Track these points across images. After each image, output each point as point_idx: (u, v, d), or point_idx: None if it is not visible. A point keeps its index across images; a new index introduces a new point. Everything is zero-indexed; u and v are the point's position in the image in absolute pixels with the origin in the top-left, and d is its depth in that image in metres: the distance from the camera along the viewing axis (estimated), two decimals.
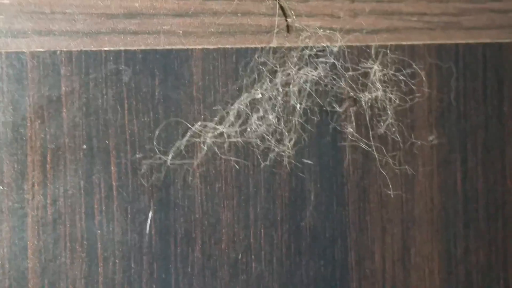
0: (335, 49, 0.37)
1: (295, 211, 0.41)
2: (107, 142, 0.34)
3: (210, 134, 0.35)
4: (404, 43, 0.45)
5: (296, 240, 0.41)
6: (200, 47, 0.37)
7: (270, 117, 0.35)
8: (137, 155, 0.34)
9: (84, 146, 0.34)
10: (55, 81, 0.33)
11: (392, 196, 0.43)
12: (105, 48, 0.34)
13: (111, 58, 0.35)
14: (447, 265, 0.47)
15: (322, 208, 0.42)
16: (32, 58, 0.33)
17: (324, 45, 0.38)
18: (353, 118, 0.40)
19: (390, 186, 0.43)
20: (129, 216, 0.35)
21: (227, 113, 0.36)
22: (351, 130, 0.40)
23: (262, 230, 0.40)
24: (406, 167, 0.43)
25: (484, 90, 0.50)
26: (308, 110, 0.39)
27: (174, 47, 0.37)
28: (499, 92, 0.51)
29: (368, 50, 0.41)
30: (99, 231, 0.34)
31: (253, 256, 0.39)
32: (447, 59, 0.48)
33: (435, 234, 0.47)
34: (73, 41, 0.33)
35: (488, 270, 0.49)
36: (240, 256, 0.39)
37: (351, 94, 0.39)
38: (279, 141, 0.37)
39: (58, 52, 0.33)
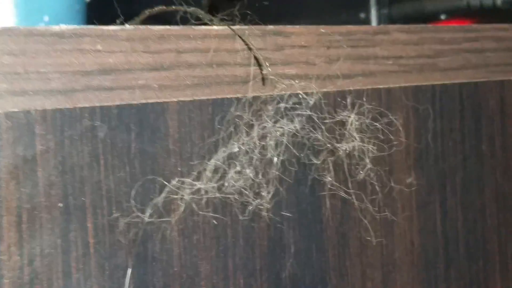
0: (311, 101, 0.38)
1: (275, 260, 0.41)
2: (83, 199, 0.35)
3: (187, 191, 0.35)
4: (380, 86, 0.46)
5: None
6: (175, 99, 0.38)
7: (247, 171, 0.35)
8: (114, 214, 0.35)
9: (60, 205, 0.34)
10: (30, 140, 0.33)
11: (373, 243, 0.43)
12: (80, 105, 0.35)
13: (86, 115, 0.35)
14: None
15: (302, 256, 0.42)
16: (6, 118, 0.33)
17: (300, 97, 0.38)
18: (331, 168, 0.40)
19: (372, 233, 0.43)
20: (106, 272, 0.35)
21: (204, 169, 0.36)
22: (330, 179, 0.40)
23: (241, 281, 0.40)
24: (386, 212, 0.44)
25: (461, 129, 0.50)
26: (286, 162, 0.40)
27: (149, 101, 0.37)
28: (476, 131, 0.51)
29: (344, 102, 0.42)
30: None
31: None
32: (423, 101, 0.48)
33: (416, 276, 0.47)
34: (48, 100, 0.34)
35: None
36: None
37: (328, 145, 0.40)
38: (257, 194, 0.38)
39: (33, 111, 0.34)
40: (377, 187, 0.43)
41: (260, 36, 0.41)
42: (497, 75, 0.52)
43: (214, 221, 0.38)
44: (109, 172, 0.36)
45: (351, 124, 0.38)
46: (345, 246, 0.44)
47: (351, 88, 0.44)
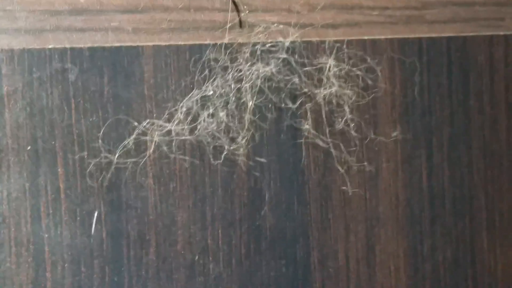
0: (287, 44, 0.36)
1: (254, 210, 0.40)
2: (53, 143, 0.33)
3: (157, 132, 0.34)
4: (365, 37, 0.44)
5: (256, 240, 0.40)
6: (151, 44, 0.36)
7: (221, 114, 0.34)
8: (82, 153, 0.33)
9: (29, 148, 0.33)
10: None
11: (350, 193, 0.42)
12: (50, 46, 0.33)
13: (56, 57, 0.33)
14: (413, 262, 0.47)
15: (283, 207, 0.41)
16: None
17: (277, 40, 0.37)
18: (309, 114, 0.39)
19: (349, 184, 0.42)
20: (78, 218, 0.34)
21: (176, 110, 0.35)
22: (308, 127, 0.39)
23: (219, 231, 0.39)
24: (365, 163, 0.42)
25: (449, 84, 0.49)
26: (263, 107, 0.38)
27: (123, 44, 0.35)
28: (464, 86, 0.50)
29: (323, 45, 0.40)
30: (46, 235, 0.33)
31: (210, 258, 0.38)
32: (410, 54, 0.47)
33: (401, 231, 0.46)
34: (15, 39, 0.32)
35: (455, 267, 0.48)
36: (197, 258, 0.38)
37: (306, 90, 0.38)
38: (233, 140, 0.36)
39: None
40: (358, 138, 0.42)
41: None
42: (486, 30, 0.51)
43: (187, 165, 0.36)
44: (80, 116, 0.34)
45: (329, 70, 0.36)
46: (328, 198, 0.43)
47: (334, 38, 0.43)
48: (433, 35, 0.48)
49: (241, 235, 0.39)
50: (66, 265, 0.33)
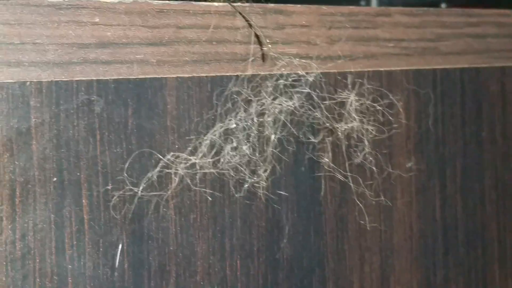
0: (311, 79, 0.37)
1: (272, 241, 0.40)
2: (78, 174, 0.34)
3: (182, 165, 0.34)
4: (381, 69, 0.45)
5: (273, 271, 0.41)
6: (174, 75, 0.37)
7: (244, 147, 0.34)
8: (107, 186, 0.34)
9: (55, 179, 0.33)
10: (25, 112, 0.32)
11: (368, 228, 0.43)
12: (77, 78, 0.34)
13: (83, 89, 0.34)
14: None
15: (299, 238, 0.41)
16: (1, 89, 0.32)
17: (300, 73, 0.37)
18: (329, 148, 0.40)
19: (366, 218, 0.42)
20: (101, 249, 0.34)
21: (200, 143, 0.35)
22: (327, 160, 0.40)
23: (238, 262, 0.39)
24: (382, 198, 0.43)
25: (462, 115, 0.50)
26: (284, 141, 0.39)
27: (147, 76, 0.36)
28: (477, 117, 0.51)
29: (344, 80, 0.41)
30: (70, 266, 0.34)
31: None
32: (424, 85, 0.48)
33: (414, 262, 0.47)
34: (44, 71, 0.33)
35: None
36: None
37: (327, 124, 0.39)
38: (254, 172, 0.37)
39: (28, 83, 0.33)
40: (375, 171, 0.42)
41: (261, 14, 0.40)
42: (499, 61, 0.52)
43: (209, 198, 0.37)
44: (105, 147, 0.35)
45: (351, 105, 0.37)
46: (344, 229, 0.43)
47: (352, 70, 0.43)
48: (447, 66, 0.49)
49: (258, 266, 0.40)
50: None
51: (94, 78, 0.34)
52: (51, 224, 0.33)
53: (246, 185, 0.37)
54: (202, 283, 0.38)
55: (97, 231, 0.34)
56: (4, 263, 0.32)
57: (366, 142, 0.39)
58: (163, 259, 0.37)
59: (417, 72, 0.47)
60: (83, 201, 0.34)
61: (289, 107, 0.36)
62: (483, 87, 0.51)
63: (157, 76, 0.36)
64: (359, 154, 0.40)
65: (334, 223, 0.43)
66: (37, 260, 0.33)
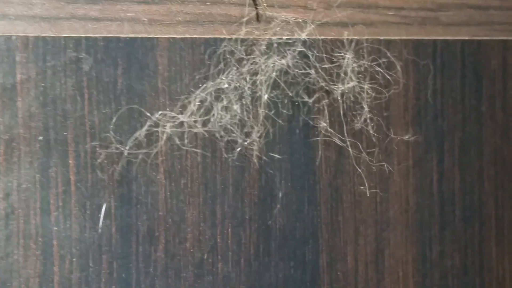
0: (304, 36, 0.36)
1: (265, 210, 0.40)
2: (65, 133, 0.33)
3: (170, 124, 0.33)
4: (380, 37, 0.44)
5: (265, 240, 0.40)
6: (166, 36, 0.36)
7: (235, 107, 0.33)
8: (97, 147, 0.33)
9: (40, 138, 0.32)
10: (10, 68, 0.32)
11: (368, 194, 0.42)
12: (65, 35, 0.33)
13: (71, 46, 0.33)
14: (422, 268, 0.46)
15: (293, 208, 0.41)
16: None
17: (294, 34, 0.37)
18: (326, 111, 0.39)
19: (366, 184, 0.42)
20: (87, 212, 0.34)
21: (189, 102, 0.34)
22: (324, 124, 0.39)
23: (229, 229, 0.38)
24: (384, 164, 0.42)
25: (462, 88, 0.49)
26: (279, 103, 0.38)
27: (138, 35, 0.35)
28: (477, 91, 0.50)
29: (341, 40, 0.40)
30: (55, 228, 0.33)
31: (219, 256, 0.38)
32: (424, 56, 0.47)
33: (410, 236, 0.46)
34: (30, 26, 0.32)
35: (463, 274, 0.48)
36: (205, 256, 0.38)
37: (323, 85, 0.38)
38: (247, 135, 0.36)
39: (14, 37, 0.32)
40: (377, 138, 0.42)
41: None
42: (501, 34, 0.51)
43: (200, 159, 0.36)
44: (93, 107, 0.34)
45: (348, 65, 0.36)
46: (339, 200, 0.43)
47: (350, 38, 0.42)
48: (448, 37, 0.48)
49: (250, 234, 0.39)
50: (74, 259, 0.33)
51: (83, 35, 0.34)
52: (36, 184, 0.32)
53: (238, 148, 0.36)
54: (191, 250, 0.37)
55: (84, 193, 0.34)
56: None
57: (365, 106, 0.38)
58: (152, 224, 0.36)
59: (416, 42, 0.47)
60: (70, 161, 0.33)
61: (282, 66, 0.35)
62: (484, 60, 0.50)
63: (149, 36, 0.36)
64: (358, 119, 0.39)
65: (328, 193, 0.42)
66: (21, 221, 0.32)
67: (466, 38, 0.49)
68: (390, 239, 0.45)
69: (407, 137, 0.46)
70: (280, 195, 0.40)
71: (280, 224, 0.40)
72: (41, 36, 0.32)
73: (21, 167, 0.32)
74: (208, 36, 0.37)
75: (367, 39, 0.43)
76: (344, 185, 0.43)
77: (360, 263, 0.44)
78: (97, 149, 0.33)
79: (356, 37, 0.43)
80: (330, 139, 0.40)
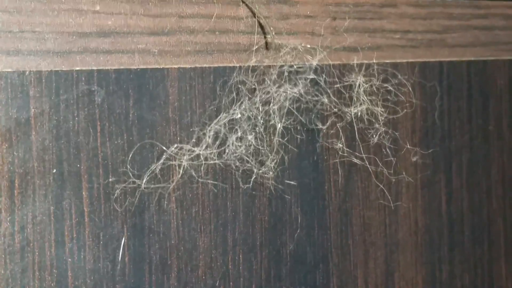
0: (315, 63, 0.36)
1: (275, 235, 0.40)
2: (78, 166, 0.33)
3: (186, 157, 0.34)
4: (387, 61, 0.45)
5: (276, 266, 0.40)
6: (176, 66, 0.37)
7: (249, 137, 0.34)
8: (110, 179, 0.33)
9: (54, 170, 0.33)
10: (24, 102, 0.32)
11: (392, 207, 0.42)
12: (77, 68, 0.33)
13: (83, 79, 0.34)
14: None
15: (303, 233, 0.41)
16: None
17: (305, 60, 0.37)
18: (341, 134, 0.39)
19: (389, 197, 0.42)
20: (101, 243, 0.34)
21: (204, 134, 0.35)
22: (341, 145, 0.39)
23: (240, 256, 0.39)
24: (404, 175, 0.42)
25: (468, 108, 0.49)
26: (292, 130, 0.38)
27: (149, 66, 0.36)
28: (484, 110, 0.50)
29: (351, 64, 0.41)
30: (69, 259, 0.33)
31: (231, 283, 0.39)
32: (431, 77, 0.47)
33: (419, 257, 0.46)
34: (43, 60, 0.33)
35: None
36: (217, 283, 0.38)
37: (335, 110, 0.39)
38: (261, 163, 0.37)
39: (27, 72, 0.32)
40: (390, 152, 0.42)
41: (265, 4, 0.39)
42: (506, 54, 0.51)
43: (214, 190, 0.36)
44: (105, 138, 0.34)
45: (359, 87, 0.36)
46: (348, 224, 0.43)
47: (357, 62, 0.43)
48: (454, 58, 0.49)
49: (261, 260, 0.40)
50: None
51: (95, 68, 0.34)
52: (51, 216, 0.33)
53: (254, 177, 0.37)
54: (204, 277, 0.38)
55: (98, 224, 0.34)
56: (3, 255, 0.32)
57: (380, 125, 0.38)
58: (165, 253, 0.36)
59: (423, 65, 0.47)
60: (83, 193, 0.34)
61: (294, 94, 0.35)
62: (490, 80, 0.51)
63: (159, 67, 0.36)
64: (374, 137, 0.39)
65: (338, 217, 0.43)
66: (36, 253, 0.33)
67: (472, 59, 0.50)
68: (399, 261, 0.46)
69: (415, 158, 0.46)
70: (290, 220, 0.40)
71: (291, 249, 0.41)
72: (54, 71, 0.33)
73: (35, 200, 0.33)
74: (217, 65, 0.38)
75: (374, 63, 0.44)
76: (354, 208, 0.43)
77: (370, 286, 0.44)
78: (111, 182, 0.34)
79: (364, 61, 0.43)
80: (342, 160, 0.41)
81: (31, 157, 0.33)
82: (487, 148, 0.50)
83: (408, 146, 0.45)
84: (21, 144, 0.32)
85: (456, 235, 0.48)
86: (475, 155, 0.50)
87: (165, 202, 0.36)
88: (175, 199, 0.36)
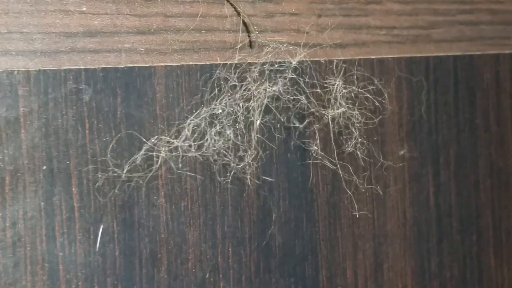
0: (294, 63, 0.37)
1: (264, 229, 0.41)
2: (67, 162, 0.34)
3: (165, 148, 0.35)
4: (373, 57, 0.46)
5: (265, 258, 0.41)
6: (163, 64, 0.37)
7: (228, 132, 0.35)
8: (99, 175, 0.34)
9: (44, 167, 0.34)
10: (13, 101, 0.33)
11: (357, 216, 0.43)
12: (65, 67, 0.34)
13: (71, 78, 0.35)
14: (421, 280, 0.48)
15: (291, 225, 0.42)
16: None
17: (286, 60, 0.38)
18: (317, 135, 0.40)
19: (356, 207, 0.43)
20: (91, 237, 0.35)
21: (183, 127, 0.36)
22: (316, 148, 0.40)
23: (230, 249, 0.40)
24: (372, 186, 0.43)
25: (455, 103, 0.50)
26: (271, 127, 0.39)
27: (136, 65, 0.37)
28: (470, 104, 0.51)
29: (331, 67, 0.42)
30: (61, 253, 0.34)
31: (221, 275, 0.39)
32: (417, 73, 0.48)
33: (408, 249, 0.47)
34: (31, 60, 0.33)
35: (463, 285, 0.49)
36: (207, 276, 0.39)
37: (313, 110, 0.40)
38: (240, 159, 0.37)
39: (16, 72, 0.33)
40: (366, 160, 0.43)
41: (250, 2, 0.40)
42: (492, 48, 0.52)
43: (197, 183, 0.37)
44: (94, 135, 0.35)
45: (337, 91, 0.37)
46: (336, 216, 0.44)
47: (342, 58, 0.44)
48: (440, 54, 0.50)
49: (250, 253, 0.40)
50: (80, 283, 0.34)
51: (82, 67, 0.35)
52: (42, 212, 0.34)
53: (232, 171, 0.38)
54: (193, 270, 0.38)
55: (87, 219, 0.35)
56: None
57: (355, 130, 0.39)
58: (154, 246, 0.37)
59: (409, 60, 0.48)
60: (73, 189, 0.35)
61: (274, 93, 0.36)
62: (477, 75, 0.51)
63: (146, 65, 0.37)
64: (349, 142, 0.40)
65: (326, 210, 0.43)
66: (28, 248, 0.34)
67: (458, 53, 0.50)
68: (388, 252, 0.46)
69: (401, 153, 0.47)
70: (277, 214, 0.41)
71: (279, 242, 0.42)
72: (42, 70, 0.34)
73: (26, 196, 0.33)
74: (203, 63, 0.39)
75: (359, 59, 0.45)
76: (341, 201, 0.44)
77: (359, 277, 0.45)
78: (99, 177, 0.35)
79: (348, 58, 0.44)
80: (322, 162, 0.41)
81: (21, 154, 0.33)
82: (474, 141, 0.51)
83: (396, 140, 0.46)
84: (11, 142, 0.33)
85: (444, 227, 0.49)
86: (462, 148, 0.50)
87: (154, 196, 0.37)
88: (164, 194, 0.37)
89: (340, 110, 0.37)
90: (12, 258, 0.33)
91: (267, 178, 0.40)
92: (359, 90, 0.41)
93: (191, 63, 0.38)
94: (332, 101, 0.38)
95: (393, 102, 0.46)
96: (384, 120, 0.46)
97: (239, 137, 0.37)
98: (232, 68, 0.38)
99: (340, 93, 0.37)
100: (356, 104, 0.40)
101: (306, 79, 0.39)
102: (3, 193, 0.33)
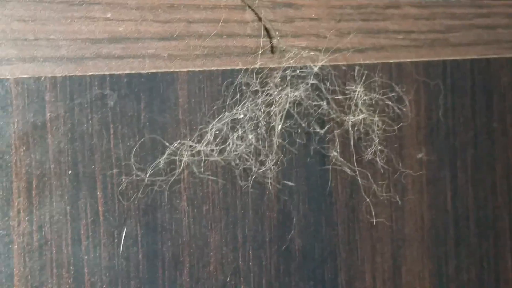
0: (316, 69, 0.38)
1: (284, 232, 0.41)
2: (92, 167, 0.35)
3: (187, 153, 0.35)
4: (391, 61, 0.46)
5: (285, 261, 0.41)
6: (185, 69, 0.38)
7: (250, 136, 0.35)
8: (123, 179, 0.35)
9: (70, 172, 0.34)
10: (40, 107, 0.34)
11: (374, 223, 0.44)
12: (90, 73, 0.35)
13: (96, 83, 0.35)
14: (439, 283, 0.48)
15: (311, 229, 0.42)
16: (16, 84, 0.33)
17: (308, 66, 0.38)
18: (337, 141, 0.41)
19: (373, 213, 0.43)
20: (115, 240, 0.36)
21: (206, 132, 0.36)
22: (336, 153, 0.41)
23: (250, 252, 0.40)
24: (391, 193, 0.44)
25: (472, 106, 0.50)
26: (292, 132, 0.40)
27: (159, 70, 0.37)
28: (487, 108, 0.51)
29: (352, 73, 0.42)
30: (86, 257, 0.35)
31: (242, 278, 0.40)
32: (434, 76, 0.48)
33: (426, 252, 0.48)
34: (58, 67, 0.34)
35: None
36: (228, 279, 0.39)
37: (333, 116, 0.40)
38: (262, 163, 0.38)
39: (43, 78, 0.34)
40: (385, 167, 0.43)
41: (270, 8, 0.41)
42: (509, 52, 0.52)
43: (218, 187, 0.38)
44: (118, 140, 0.36)
45: (359, 97, 0.38)
46: (355, 220, 0.44)
47: (361, 62, 0.44)
48: (457, 57, 0.50)
49: (271, 256, 0.41)
50: (104, 286, 0.35)
51: (107, 73, 0.35)
52: (67, 216, 0.34)
53: (254, 175, 0.38)
54: (215, 273, 0.39)
55: (112, 223, 0.36)
56: (22, 253, 0.33)
57: (375, 137, 0.40)
58: (177, 249, 0.38)
59: (427, 64, 0.48)
60: (98, 193, 0.35)
61: (295, 98, 0.37)
62: (494, 78, 0.52)
63: (169, 70, 0.37)
64: (369, 149, 0.41)
65: (345, 214, 0.44)
66: (54, 251, 0.34)
67: (475, 57, 0.51)
68: (406, 256, 0.47)
69: (419, 156, 0.47)
70: (297, 217, 0.42)
71: (299, 245, 0.42)
72: (68, 76, 0.34)
73: (52, 200, 0.34)
74: (225, 68, 0.39)
75: (377, 63, 0.45)
76: (360, 205, 0.44)
77: (378, 280, 0.45)
78: (123, 181, 0.35)
79: (367, 62, 0.45)
80: (341, 168, 0.42)
81: (48, 159, 0.34)
82: (491, 145, 0.51)
83: (414, 144, 0.46)
84: (37, 147, 0.34)
85: (462, 230, 0.49)
86: (479, 152, 0.51)
87: (176, 200, 0.37)
88: (186, 197, 0.38)
89: (360, 117, 0.37)
90: (38, 262, 0.34)
91: (288, 182, 0.40)
92: (380, 97, 0.41)
93: (213, 68, 0.39)
94: (353, 107, 0.39)
95: (411, 106, 0.47)
96: (401, 126, 0.46)
97: (261, 141, 0.37)
98: (254, 73, 0.38)
99: (360, 99, 0.37)
100: (377, 111, 0.40)
101: (328, 85, 0.40)
102: (30, 197, 0.33)
